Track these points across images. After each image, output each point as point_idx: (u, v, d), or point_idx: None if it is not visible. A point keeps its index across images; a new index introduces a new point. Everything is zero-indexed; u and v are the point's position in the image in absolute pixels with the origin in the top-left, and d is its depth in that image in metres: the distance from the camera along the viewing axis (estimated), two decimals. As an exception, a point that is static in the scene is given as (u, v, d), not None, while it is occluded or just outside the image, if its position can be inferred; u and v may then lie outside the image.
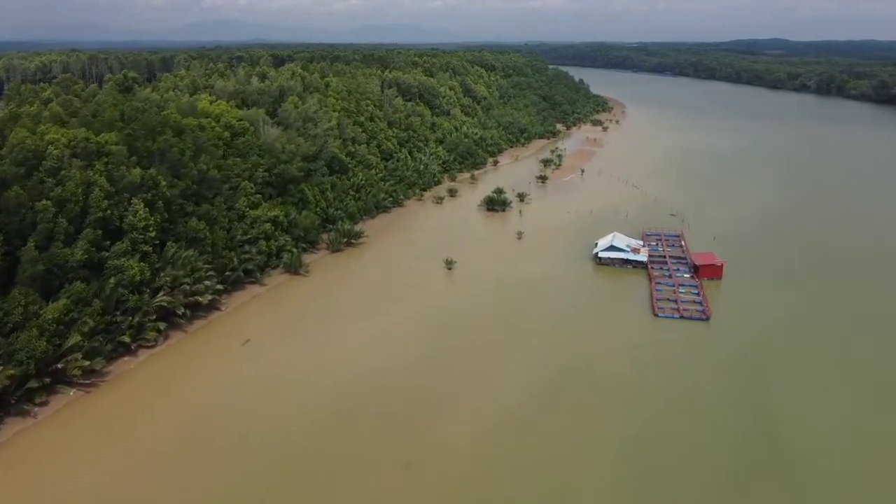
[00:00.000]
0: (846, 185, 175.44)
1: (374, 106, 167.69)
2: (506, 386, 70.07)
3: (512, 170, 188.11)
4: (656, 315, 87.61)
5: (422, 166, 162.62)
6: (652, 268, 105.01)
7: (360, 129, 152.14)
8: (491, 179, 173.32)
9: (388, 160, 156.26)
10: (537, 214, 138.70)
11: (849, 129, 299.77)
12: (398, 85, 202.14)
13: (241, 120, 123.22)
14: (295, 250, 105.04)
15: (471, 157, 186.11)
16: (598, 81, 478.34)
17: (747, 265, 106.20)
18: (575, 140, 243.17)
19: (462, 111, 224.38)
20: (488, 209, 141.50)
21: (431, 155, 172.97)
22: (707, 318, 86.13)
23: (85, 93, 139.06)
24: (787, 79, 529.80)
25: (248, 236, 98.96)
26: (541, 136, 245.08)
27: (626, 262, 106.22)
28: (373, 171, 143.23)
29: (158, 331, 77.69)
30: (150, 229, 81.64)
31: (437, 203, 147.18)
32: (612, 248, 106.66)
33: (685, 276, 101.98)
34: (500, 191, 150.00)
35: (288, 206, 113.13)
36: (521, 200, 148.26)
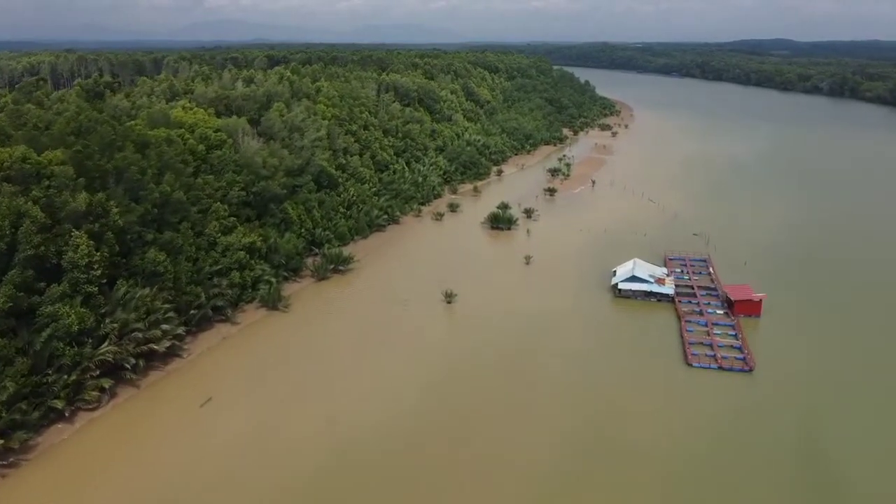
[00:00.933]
0: (878, 196, 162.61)
1: (369, 112, 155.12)
2: (518, 461, 57.51)
3: (517, 180, 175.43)
4: (689, 364, 74.96)
5: (420, 178, 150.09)
6: (679, 301, 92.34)
7: (353, 139, 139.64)
8: (495, 191, 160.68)
9: (383, 172, 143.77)
10: (547, 234, 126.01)
11: (869, 133, 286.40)
12: (396, 89, 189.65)
13: (218, 131, 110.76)
14: (274, 281, 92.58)
15: (473, 167, 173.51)
16: (603, 83, 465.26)
17: (786, 297, 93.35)
18: (583, 146, 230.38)
19: (464, 116, 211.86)
20: (492, 227, 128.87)
21: (431, 165, 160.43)
22: (750, 370, 73.46)
23: (49, 99, 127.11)
24: (798, 80, 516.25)
25: (219, 267, 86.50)
26: (547, 143, 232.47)
27: (650, 294, 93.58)
28: (366, 186, 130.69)
29: (102, 389, 65.28)
30: (96, 266, 69.17)
31: (437, 220, 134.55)
32: (633, 278, 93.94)
33: (718, 312, 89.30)
34: (504, 206, 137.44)
35: (268, 228, 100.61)
36: (529, 217, 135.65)
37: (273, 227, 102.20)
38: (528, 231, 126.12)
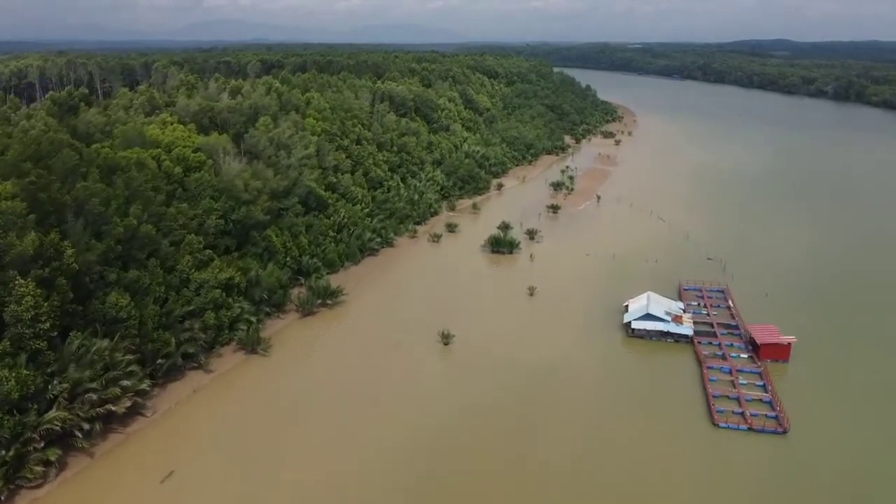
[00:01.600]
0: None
1: (363, 125, 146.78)
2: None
3: (519, 195, 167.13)
4: (715, 424, 66.78)
5: (416, 195, 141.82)
6: (699, 342, 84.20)
7: (345, 155, 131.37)
8: (495, 208, 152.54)
9: (376, 189, 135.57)
10: (551, 258, 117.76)
11: (883, 140, 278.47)
12: (391, 98, 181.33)
13: (197, 150, 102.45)
14: (254, 319, 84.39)
15: (472, 181, 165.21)
16: (604, 85, 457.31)
17: (814, 334, 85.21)
18: (586, 156, 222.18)
19: (463, 126, 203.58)
20: (493, 251, 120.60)
21: (427, 180, 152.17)
22: (784, 432, 65.30)
23: (17, 115, 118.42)
24: (802, 83, 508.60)
25: (192, 307, 78.22)
26: (549, 152, 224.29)
27: (666, 334, 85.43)
28: (358, 207, 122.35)
29: (48, 462, 57.07)
30: (44, 318, 60.87)
31: (434, 242, 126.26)
32: (647, 316, 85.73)
33: (742, 356, 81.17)
34: (506, 226, 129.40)
35: (249, 259, 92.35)
36: (532, 238, 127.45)
37: (255, 258, 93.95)
38: (531, 256, 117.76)
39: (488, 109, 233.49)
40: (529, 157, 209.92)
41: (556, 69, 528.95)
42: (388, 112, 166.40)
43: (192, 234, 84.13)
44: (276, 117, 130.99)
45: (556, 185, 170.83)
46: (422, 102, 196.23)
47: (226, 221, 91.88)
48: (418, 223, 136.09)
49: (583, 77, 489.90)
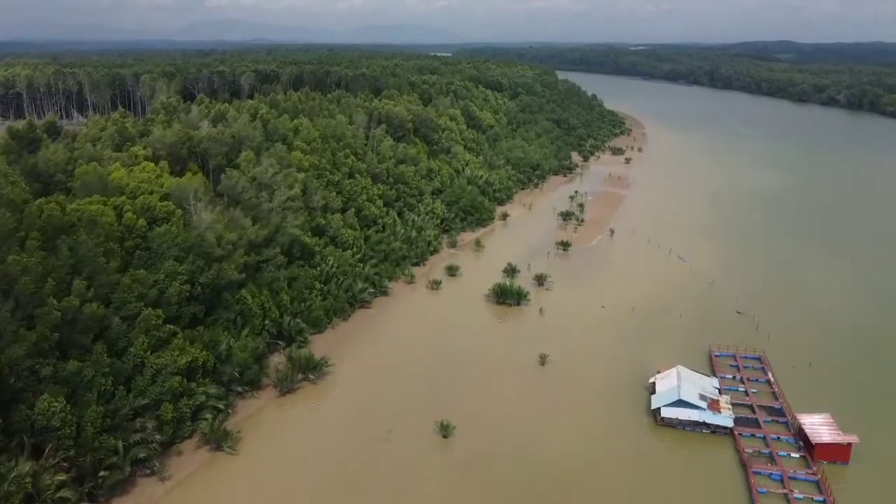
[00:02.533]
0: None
1: (356, 156, 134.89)
2: None
3: (525, 226, 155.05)
4: (772, 560, 54.89)
5: (414, 232, 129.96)
6: (740, 435, 72.18)
7: (335, 191, 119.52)
8: (500, 244, 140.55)
9: (370, 227, 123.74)
10: (563, 312, 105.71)
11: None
12: (389, 120, 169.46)
13: (166, 197, 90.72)
14: (222, 406, 72.58)
15: (475, 212, 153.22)
16: (609, 91, 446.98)
17: (878, 424, 73.23)
18: (596, 178, 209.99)
19: (465, 147, 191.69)
20: (498, 302, 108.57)
21: (427, 214, 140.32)
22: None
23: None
24: (813, 91, 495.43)
25: (146, 400, 66.45)
26: (556, 172, 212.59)
27: (701, 423, 73.44)
28: (348, 252, 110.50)
29: None
30: (-54, 446, 49.26)
31: (433, 289, 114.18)
32: (680, 402, 73.77)
33: (793, 455, 69.18)
34: (512, 270, 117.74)
35: (218, 329, 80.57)
36: (541, 284, 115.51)
37: (226, 326, 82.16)
38: (540, 310, 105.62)
39: (492, 127, 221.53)
40: (536, 180, 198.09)
41: (559, 74, 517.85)
42: (385, 138, 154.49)
43: (150, 309, 72.21)
44: (260, 149, 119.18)
45: (566, 215, 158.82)
46: (421, 122, 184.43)
47: (193, 285, 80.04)
48: (416, 264, 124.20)
49: (587, 82, 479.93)
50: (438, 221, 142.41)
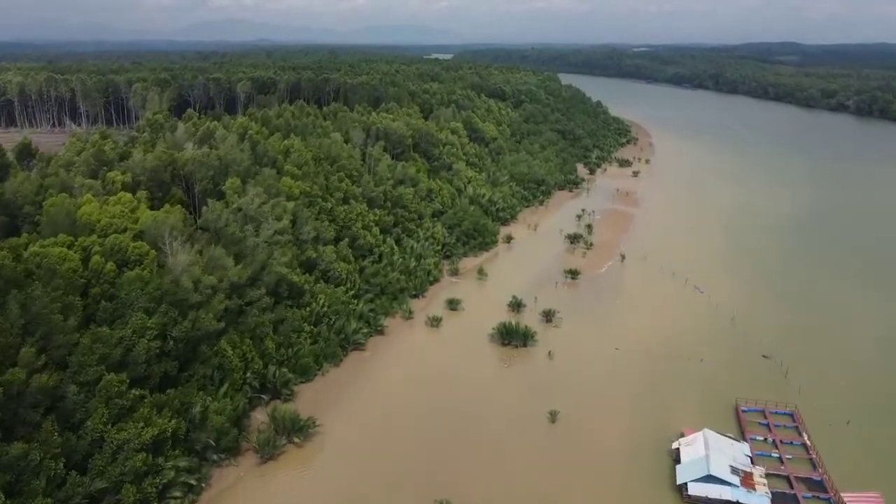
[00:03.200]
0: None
1: (351, 179, 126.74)
2: None
3: (531, 250, 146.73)
4: None
5: (413, 261, 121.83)
6: (778, 517, 64.01)
7: (328, 220, 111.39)
8: (504, 271, 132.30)
9: (365, 258, 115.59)
10: (573, 355, 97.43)
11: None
12: (387, 136, 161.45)
13: (139, 236, 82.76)
14: (193, 482, 64.50)
15: (478, 235, 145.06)
16: (613, 96, 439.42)
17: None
18: (603, 193, 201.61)
19: (467, 162, 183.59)
20: (503, 343, 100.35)
21: (426, 239, 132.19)
22: None
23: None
24: (822, 97, 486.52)
25: (103, 485, 58.33)
26: (562, 187, 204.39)
27: (733, 503, 65.14)
28: (341, 289, 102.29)
29: None
30: None
31: (432, 326, 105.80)
32: (709, 478, 65.52)
33: (840, 544, 61.04)
34: (518, 304, 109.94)
35: (192, 388, 72.43)
36: (549, 321, 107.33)
37: (202, 384, 74.05)
38: (549, 353, 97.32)
39: (495, 139, 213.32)
40: (541, 196, 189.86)
41: (562, 76, 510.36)
42: (383, 156, 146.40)
43: (113, 373, 64.09)
44: (248, 174, 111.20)
45: (573, 238, 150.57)
46: (421, 137, 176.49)
47: (165, 340, 71.91)
48: (415, 296, 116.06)
49: (590, 86, 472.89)
50: (439, 247, 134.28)
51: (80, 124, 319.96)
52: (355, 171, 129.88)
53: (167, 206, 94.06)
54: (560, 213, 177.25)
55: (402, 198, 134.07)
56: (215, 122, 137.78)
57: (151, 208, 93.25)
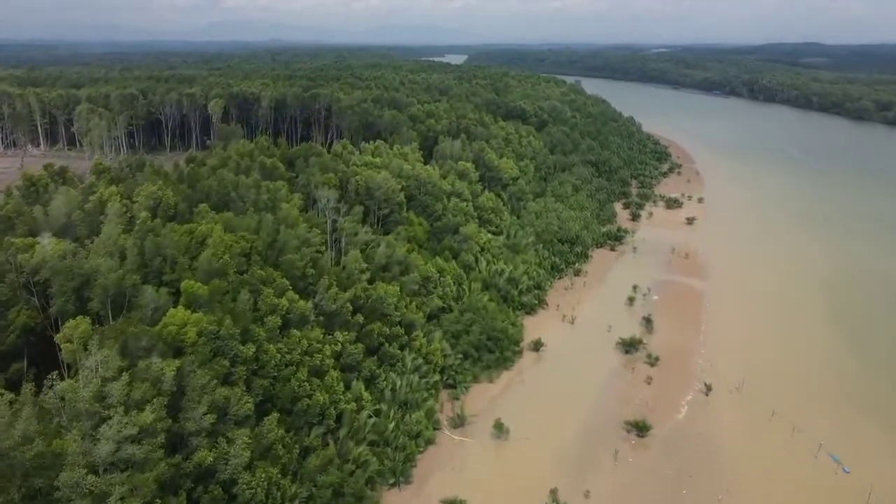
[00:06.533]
0: None
1: (305, 279, 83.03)
2: None
3: (569, 368, 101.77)
4: None
5: (391, 420, 77.73)
6: None
7: (241, 387, 67.20)
8: (533, 418, 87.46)
9: (310, 431, 71.63)
10: None
11: None
12: (370, 192, 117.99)
13: None
14: None
15: (494, 346, 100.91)
16: (640, 104, 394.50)
17: None
18: (654, 252, 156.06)
19: (478, 219, 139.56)
20: None
21: (415, 371, 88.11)
22: None
23: None
24: (876, 109, 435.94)
25: None
26: (600, 244, 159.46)
27: None
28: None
29: None
30: None
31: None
32: None
33: None
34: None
35: None
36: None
37: None
38: None
39: (515, 180, 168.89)
40: (574, 259, 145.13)
41: (583, 80, 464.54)
42: (359, 230, 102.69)
43: None
44: (117, 297, 68.11)
45: (628, 345, 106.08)
46: (420, 185, 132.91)
47: None
48: (394, 483, 72.30)
49: (614, 92, 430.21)
50: (436, 376, 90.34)
51: (37, 145, 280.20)
52: (309, 268, 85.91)
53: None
54: (603, 291, 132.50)
55: (382, 302, 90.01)
56: (113, 188, 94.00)
57: None
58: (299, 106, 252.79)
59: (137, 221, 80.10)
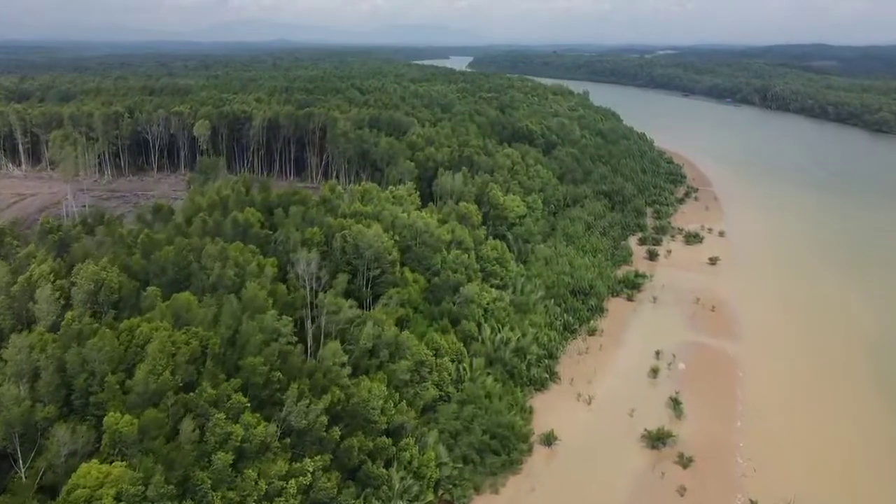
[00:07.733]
0: None
1: (270, 384, 68.32)
2: None
3: (588, 474, 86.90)
4: None
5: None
6: None
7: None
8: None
9: None
10: None
11: None
12: (358, 252, 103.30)
13: None
14: None
15: (500, 446, 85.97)
16: (649, 114, 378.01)
17: None
18: (676, 302, 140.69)
19: (482, 273, 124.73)
20: None
21: (407, 492, 73.30)
22: None
23: None
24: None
25: None
26: (616, 293, 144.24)
27: None
28: None
29: None
30: None
31: None
32: None
33: None
34: None
35: None
36: None
37: None
38: None
39: (522, 218, 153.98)
40: (588, 314, 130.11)
41: (590, 86, 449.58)
42: (343, 307, 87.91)
43: None
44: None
45: (655, 440, 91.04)
46: (414, 236, 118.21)
47: None
48: None
49: (620, 100, 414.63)
50: (430, 495, 75.41)
51: (19, 164, 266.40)
52: (276, 371, 71.09)
53: None
54: (622, 357, 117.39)
55: (365, 406, 75.11)
56: (45, 266, 79.31)
57: None
58: (292, 126, 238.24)
59: (62, 322, 65.36)
